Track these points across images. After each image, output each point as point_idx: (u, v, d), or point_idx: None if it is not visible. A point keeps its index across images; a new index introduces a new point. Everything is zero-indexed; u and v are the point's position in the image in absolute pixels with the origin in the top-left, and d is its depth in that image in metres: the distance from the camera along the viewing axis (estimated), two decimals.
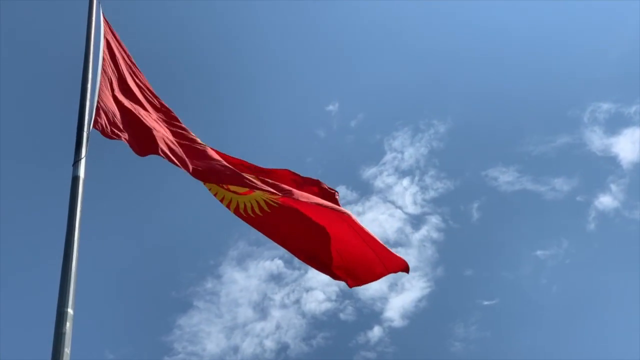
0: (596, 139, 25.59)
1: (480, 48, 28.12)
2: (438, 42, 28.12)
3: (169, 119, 8.74)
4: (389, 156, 26.21)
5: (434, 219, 25.30)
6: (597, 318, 24.93)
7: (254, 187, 8.18)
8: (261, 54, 27.63)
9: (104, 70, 8.36)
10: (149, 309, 24.84)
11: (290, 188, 8.40)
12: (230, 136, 25.03)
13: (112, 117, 7.87)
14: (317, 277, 24.27)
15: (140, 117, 8.19)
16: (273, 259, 25.05)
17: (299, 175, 9.00)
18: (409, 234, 25.30)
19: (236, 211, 8.68)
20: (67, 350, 5.97)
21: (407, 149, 26.20)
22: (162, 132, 8.22)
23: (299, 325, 23.88)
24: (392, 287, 23.90)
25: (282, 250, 24.74)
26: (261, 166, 8.92)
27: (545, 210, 25.95)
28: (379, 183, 25.91)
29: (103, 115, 7.80)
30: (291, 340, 23.57)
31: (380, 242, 8.45)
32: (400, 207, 25.63)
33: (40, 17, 25.76)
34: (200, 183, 8.69)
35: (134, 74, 8.94)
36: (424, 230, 25.25)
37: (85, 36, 8.51)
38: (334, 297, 24.10)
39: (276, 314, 24.23)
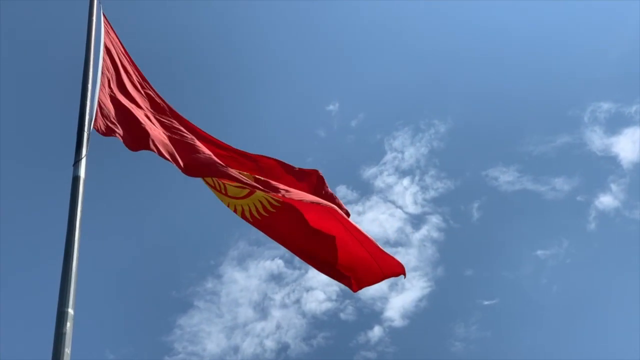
0: (596, 139, 25.60)
1: (481, 48, 28.15)
2: (438, 42, 28.15)
3: (161, 112, 8.70)
4: (389, 156, 26.23)
5: (435, 219, 25.31)
6: (597, 318, 24.94)
7: (245, 184, 8.17)
8: (261, 53, 27.65)
9: (103, 70, 8.36)
10: (149, 309, 24.86)
11: (284, 187, 8.37)
12: (230, 136, 25.01)
13: (108, 115, 7.87)
14: (317, 277, 24.29)
15: (133, 112, 8.17)
16: (273, 258, 25.06)
17: (291, 167, 9.00)
18: (410, 234, 25.32)
19: (243, 216, 8.70)
20: (67, 350, 5.97)
21: (407, 148, 26.23)
22: (153, 127, 8.20)
23: (299, 325, 23.89)
24: (393, 287, 23.93)
25: (283, 250, 24.71)
26: (251, 152, 8.93)
27: (545, 210, 25.97)
28: (379, 183, 25.93)
29: (102, 114, 7.80)
30: (291, 340, 23.59)
31: (377, 244, 8.43)
32: (400, 207, 25.65)
33: (40, 17, 25.78)
34: (200, 182, 8.70)
35: (129, 71, 8.91)
36: (424, 230, 25.27)
37: (85, 36, 8.52)
38: (334, 297, 24.13)
39: (276, 313, 24.25)
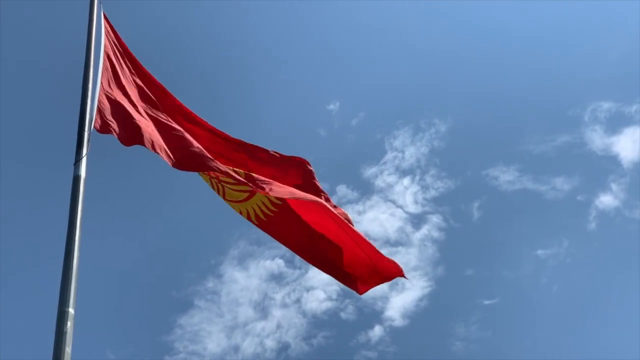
0: (597, 138, 25.60)
1: (481, 48, 28.15)
2: (439, 42, 28.15)
3: (152, 106, 8.69)
4: (389, 155, 26.23)
5: (435, 218, 25.32)
6: (597, 317, 24.95)
7: (234, 179, 8.16)
8: (262, 53, 27.65)
9: (103, 69, 8.37)
10: (150, 309, 24.87)
11: (270, 181, 8.35)
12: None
13: (104, 112, 7.87)
14: (317, 277, 24.29)
15: (126, 108, 8.14)
16: (274, 258, 25.06)
17: (278, 157, 8.99)
18: (410, 234, 25.32)
19: (249, 218, 8.71)
20: (68, 349, 5.97)
21: (407, 148, 26.23)
22: (145, 122, 8.19)
23: (299, 325, 23.90)
24: (393, 286, 23.93)
25: (283, 250, 24.68)
26: (238, 138, 8.94)
27: (545, 210, 25.97)
28: (379, 182, 25.93)
29: (100, 113, 7.81)
30: (292, 340, 23.60)
31: (373, 246, 8.43)
32: (400, 207, 25.65)
33: (41, 17, 25.78)
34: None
35: (122, 66, 8.88)
36: (424, 230, 25.28)
37: (86, 36, 8.53)
38: (334, 297, 24.13)
39: (277, 313, 24.25)
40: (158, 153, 7.80)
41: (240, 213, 8.71)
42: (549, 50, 27.85)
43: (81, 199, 6.99)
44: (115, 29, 9.16)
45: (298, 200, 8.41)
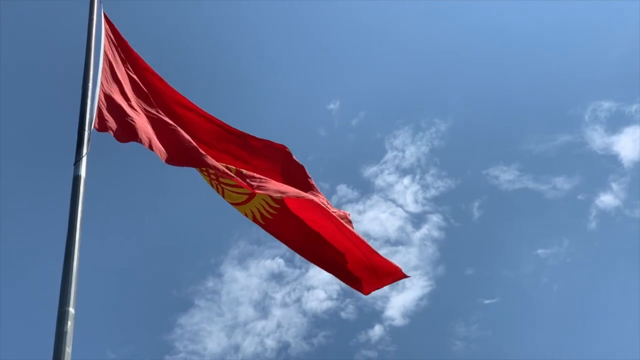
0: (597, 138, 25.60)
1: (481, 47, 28.14)
2: (439, 41, 28.13)
3: (146, 101, 8.68)
4: (390, 155, 26.23)
5: (435, 218, 25.32)
6: (597, 317, 24.96)
7: (225, 174, 8.15)
8: (262, 52, 27.65)
9: (103, 69, 8.37)
10: (150, 308, 24.88)
11: (260, 177, 8.34)
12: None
13: (102, 110, 7.86)
14: (318, 276, 24.30)
15: (120, 104, 8.14)
16: (274, 257, 25.06)
17: (268, 144, 9.01)
18: (410, 233, 25.32)
19: (255, 220, 8.71)
20: (68, 349, 5.97)
21: (408, 147, 26.22)
22: (138, 117, 8.18)
23: (299, 324, 23.90)
24: (393, 285, 23.81)
25: (283, 249, 24.74)
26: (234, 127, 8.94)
27: (546, 209, 25.97)
28: (379, 182, 25.93)
29: (98, 112, 7.81)
30: (292, 339, 23.60)
31: (371, 246, 8.40)
32: (401, 206, 25.65)
33: (41, 16, 25.77)
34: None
35: (119, 62, 8.86)
36: (424, 229, 25.27)
37: (86, 35, 8.53)
38: (334, 296, 24.13)
39: (277, 312, 24.26)
40: (152, 149, 7.79)
41: (246, 215, 8.72)
42: (549, 49, 27.86)
43: (81, 199, 6.99)
44: (116, 27, 9.17)
45: (294, 199, 8.41)
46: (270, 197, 8.53)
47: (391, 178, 25.93)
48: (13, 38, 25.34)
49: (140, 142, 7.77)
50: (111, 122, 7.79)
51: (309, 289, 24.53)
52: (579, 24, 28.94)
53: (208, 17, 27.76)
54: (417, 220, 25.42)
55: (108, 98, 8.09)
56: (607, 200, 25.08)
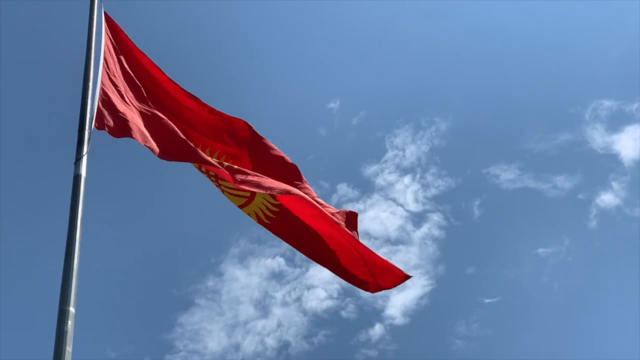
0: (598, 137, 25.59)
1: (482, 46, 28.15)
2: (439, 41, 28.13)
3: (141, 98, 8.67)
4: (390, 154, 26.22)
5: (436, 217, 25.32)
6: (598, 316, 24.95)
7: (213, 168, 8.13)
8: (262, 52, 27.64)
9: (103, 68, 8.36)
10: (150, 307, 24.88)
11: (251, 173, 8.33)
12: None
13: (101, 109, 7.85)
14: (318, 275, 24.30)
15: (113, 101, 8.12)
16: (274, 256, 25.06)
17: (264, 142, 9.01)
18: (410, 232, 25.32)
19: (260, 221, 8.70)
20: (68, 348, 5.97)
21: (408, 146, 26.22)
22: (131, 112, 8.17)
23: (300, 323, 23.90)
24: None
25: (283, 248, 24.75)
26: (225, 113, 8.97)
27: (546, 208, 25.96)
28: (380, 181, 25.92)
29: (99, 111, 7.80)
30: (292, 338, 23.60)
31: (367, 248, 8.36)
32: (401, 205, 25.65)
33: (41, 15, 25.77)
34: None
35: (114, 57, 8.85)
36: (425, 228, 25.27)
37: (87, 34, 8.53)
38: (335, 295, 24.13)
39: (277, 311, 24.26)
40: (145, 144, 7.77)
41: (251, 216, 8.72)
42: (550, 48, 27.86)
43: (82, 198, 6.99)
44: (117, 23, 9.17)
45: (291, 199, 8.39)
46: (270, 196, 8.54)
47: (391, 177, 25.95)
48: (13, 38, 25.35)
49: (133, 137, 7.76)
50: (107, 119, 7.78)
51: (310, 288, 24.55)
52: (580, 23, 28.97)
53: (209, 16, 27.78)
54: (417, 219, 25.45)
55: (107, 97, 8.09)
56: (607, 199, 25.10)
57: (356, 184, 25.74)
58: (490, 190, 25.91)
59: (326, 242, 8.48)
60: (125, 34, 9.19)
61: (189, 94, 9.23)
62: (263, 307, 24.34)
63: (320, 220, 8.47)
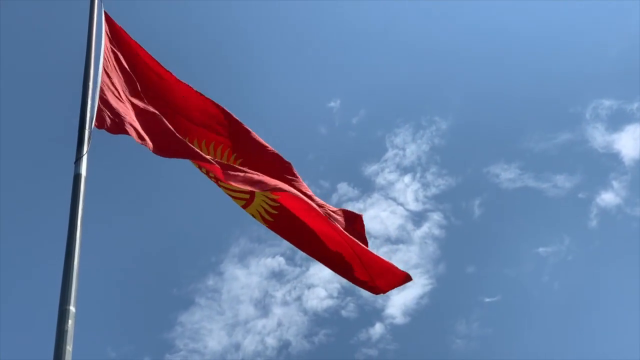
0: (598, 136, 25.58)
1: (482, 46, 28.13)
2: (439, 40, 28.12)
3: (135, 93, 8.66)
4: (390, 153, 26.22)
5: (436, 216, 25.31)
6: (598, 315, 24.95)
7: (205, 164, 8.12)
8: (263, 50, 27.64)
9: (104, 66, 8.36)
10: (150, 306, 24.88)
11: (243, 169, 8.32)
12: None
13: (101, 108, 7.84)
14: (318, 274, 24.30)
15: (107, 97, 8.12)
16: (274, 255, 25.06)
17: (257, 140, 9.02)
18: (411, 231, 25.31)
19: (264, 221, 8.69)
20: (69, 347, 5.97)
21: (408, 145, 26.21)
22: (125, 107, 8.16)
23: (300, 322, 23.90)
24: None
25: (284, 247, 24.74)
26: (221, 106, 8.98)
27: (547, 207, 25.95)
28: (380, 180, 25.92)
29: (99, 110, 7.80)
30: (293, 338, 23.61)
31: (370, 251, 8.34)
32: (401, 204, 25.65)
33: (42, 14, 25.76)
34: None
35: (112, 55, 8.85)
36: (425, 227, 25.27)
37: (87, 34, 8.53)
38: (335, 294, 24.13)
39: (278, 311, 24.26)
40: (141, 142, 7.76)
41: (254, 216, 8.71)
42: (550, 47, 27.84)
43: (82, 197, 6.99)
44: (116, 22, 9.17)
45: (289, 198, 8.39)
46: (269, 196, 8.54)
47: (392, 176, 25.94)
48: (13, 37, 25.35)
49: (129, 134, 7.75)
50: (105, 117, 7.78)
51: (310, 287, 24.55)
52: (580, 22, 28.96)
53: (209, 16, 27.77)
54: (417, 218, 25.45)
55: (106, 95, 8.08)
56: (608, 198, 25.09)
57: (356, 183, 25.76)
58: (491, 189, 25.94)
59: (324, 241, 8.48)
60: (125, 32, 9.19)
61: (184, 83, 9.23)
62: (263, 307, 24.36)
63: (318, 220, 8.47)
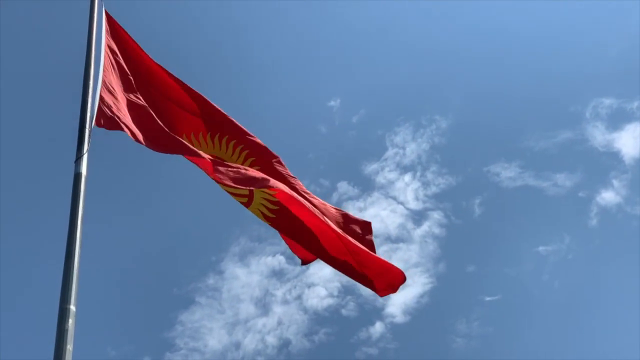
0: (598, 135, 25.59)
1: (482, 45, 28.14)
2: (439, 39, 28.13)
3: (130, 88, 8.66)
4: (390, 152, 26.23)
5: (436, 215, 25.32)
6: (599, 314, 24.96)
7: (198, 160, 8.12)
8: (263, 50, 27.64)
9: (104, 66, 8.36)
10: (151, 306, 24.89)
11: (237, 167, 8.31)
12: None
13: (101, 107, 7.85)
14: (318, 273, 24.30)
15: (110, 95, 8.12)
16: (275, 254, 25.07)
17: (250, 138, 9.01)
18: (411, 230, 25.33)
19: (267, 219, 8.68)
20: (69, 347, 5.98)
21: (408, 144, 26.22)
22: (117, 105, 8.16)
23: (300, 321, 23.91)
24: None
25: (284, 246, 24.72)
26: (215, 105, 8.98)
27: (547, 206, 25.96)
28: (380, 179, 25.93)
29: (100, 109, 7.80)
30: (293, 336, 23.61)
31: (367, 250, 8.33)
32: (402, 203, 25.66)
33: (42, 13, 25.77)
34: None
35: (110, 53, 8.85)
36: (425, 226, 25.28)
37: (87, 33, 8.53)
38: (335, 293, 24.13)
39: (278, 309, 24.27)
40: (136, 140, 7.76)
41: (257, 215, 8.71)
42: (550, 46, 27.85)
43: (82, 197, 6.99)
44: (117, 22, 9.18)
45: (288, 197, 8.39)
46: (268, 194, 8.54)
47: (392, 175, 25.95)
48: (13, 36, 25.35)
49: (124, 131, 7.76)
50: (104, 115, 7.78)
51: (310, 286, 24.56)
52: (580, 21, 28.97)
53: (209, 16, 27.77)
54: (417, 217, 25.46)
55: (105, 94, 8.09)
56: (608, 197, 25.10)
57: (356, 182, 25.77)
58: (491, 188, 25.95)
59: (319, 239, 8.48)
60: (124, 30, 9.20)
61: (178, 79, 9.26)
62: (263, 305, 24.37)
63: (314, 218, 8.46)
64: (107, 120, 7.73)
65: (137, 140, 7.76)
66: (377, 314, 24.02)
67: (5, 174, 23.79)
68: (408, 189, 25.79)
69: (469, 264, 25.46)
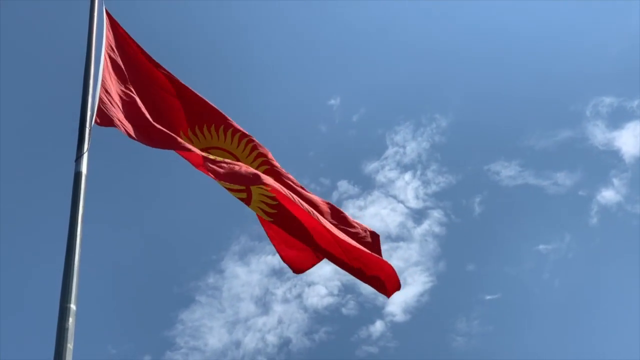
0: (598, 133, 25.59)
1: (482, 44, 28.13)
2: (439, 38, 28.13)
3: (123, 81, 8.65)
4: (390, 150, 26.23)
5: (436, 214, 25.33)
6: (599, 313, 24.96)
7: (191, 155, 8.11)
8: (263, 49, 27.64)
9: (105, 65, 8.36)
10: (151, 304, 24.91)
11: (231, 163, 8.29)
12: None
13: (101, 106, 7.84)
14: (318, 272, 24.31)
15: (106, 95, 8.11)
16: (275, 253, 24.96)
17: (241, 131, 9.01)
18: (411, 229, 25.33)
19: (267, 216, 8.68)
20: (69, 345, 5.98)
21: (409, 143, 26.22)
22: (110, 101, 8.16)
23: (301, 320, 23.92)
24: None
25: None
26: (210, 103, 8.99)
27: (547, 205, 25.97)
28: (380, 177, 25.93)
29: (100, 108, 7.80)
30: (293, 335, 23.62)
31: (364, 249, 8.32)
32: (402, 202, 25.66)
33: (41, 12, 25.76)
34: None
35: (110, 53, 8.85)
36: (425, 225, 25.29)
37: (87, 32, 8.53)
38: (335, 292, 24.14)
39: (278, 308, 24.28)
40: (129, 135, 7.76)
41: (257, 214, 8.72)
42: (551, 45, 27.84)
43: (82, 196, 6.99)
44: (117, 21, 9.18)
45: (286, 196, 8.40)
46: (266, 193, 8.54)
47: (392, 174, 25.96)
48: (13, 35, 25.35)
49: (116, 126, 7.76)
50: (102, 114, 7.78)
51: (310, 284, 24.57)
52: (580, 20, 28.95)
53: (209, 16, 27.76)
54: (418, 216, 25.47)
55: (104, 93, 8.09)
56: (608, 195, 25.11)
57: (357, 181, 25.78)
58: (491, 187, 25.95)
59: (315, 239, 8.49)
60: (123, 29, 9.20)
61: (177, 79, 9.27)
62: (264, 304, 24.38)
63: (311, 217, 8.46)
64: (103, 117, 7.73)
65: (129, 135, 7.75)
66: (377, 312, 24.06)
67: (5, 173, 23.81)
68: (408, 187, 25.82)
69: (469, 262, 25.50)
